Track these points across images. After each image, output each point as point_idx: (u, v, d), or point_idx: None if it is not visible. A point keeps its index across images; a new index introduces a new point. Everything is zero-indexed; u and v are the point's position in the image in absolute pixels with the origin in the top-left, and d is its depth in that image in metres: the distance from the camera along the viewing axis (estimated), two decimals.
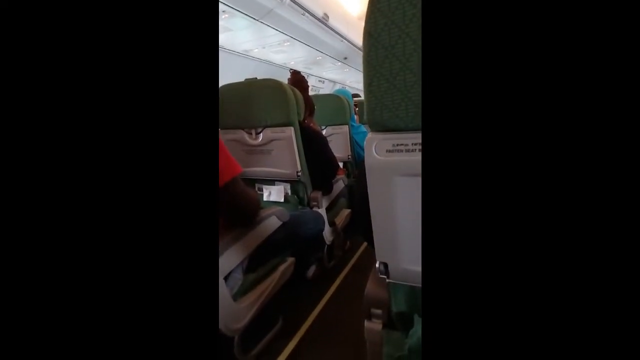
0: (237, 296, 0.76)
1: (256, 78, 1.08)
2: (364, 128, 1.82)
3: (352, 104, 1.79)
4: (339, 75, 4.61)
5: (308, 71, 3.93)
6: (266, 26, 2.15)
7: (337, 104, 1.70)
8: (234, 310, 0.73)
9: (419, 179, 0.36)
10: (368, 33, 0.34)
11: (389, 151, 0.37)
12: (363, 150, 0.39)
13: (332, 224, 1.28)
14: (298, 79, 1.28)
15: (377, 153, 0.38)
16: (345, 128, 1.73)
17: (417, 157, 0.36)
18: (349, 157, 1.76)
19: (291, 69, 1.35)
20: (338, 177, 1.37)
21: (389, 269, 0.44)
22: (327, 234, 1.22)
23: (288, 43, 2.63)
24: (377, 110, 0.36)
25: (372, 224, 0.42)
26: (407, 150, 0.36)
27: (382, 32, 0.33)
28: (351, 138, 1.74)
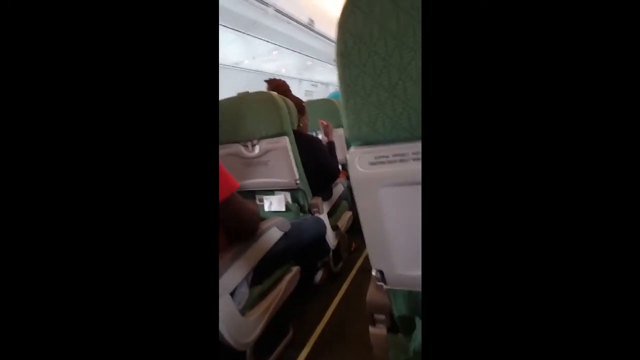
0: (244, 310, 0.76)
1: (248, 92, 1.10)
2: None
3: None
4: (332, 78, 4.63)
5: (300, 77, 3.95)
6: (253, 37, 2.17)
7: (329, 108, 1.72)
8: (242, 324, 0.73)
9: (405, 188, 0.37)
10: (340, 54, 0.35)
11: (371, 164, 0.38)
12: None
13: (335, 227, 1.28)
14: (275, 85, 1.26)
15: (360, 166, 0.39)
16: (341, 131, 1.73)
17: (400, 167, 0.37)
18: (346, 159, 1.76)
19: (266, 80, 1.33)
20: (337, 180, 1.37)
21: (385, 276, 0.45)
22: (331, 238, 1.22)
23: (277, 52, 2.66)
24: (356, 126, 0.37)
25: (364, 234, 0.43)
26: (389, 162, 0.37)
27: (352, 51, 0.35)
28: (347, 140, 1.74)
